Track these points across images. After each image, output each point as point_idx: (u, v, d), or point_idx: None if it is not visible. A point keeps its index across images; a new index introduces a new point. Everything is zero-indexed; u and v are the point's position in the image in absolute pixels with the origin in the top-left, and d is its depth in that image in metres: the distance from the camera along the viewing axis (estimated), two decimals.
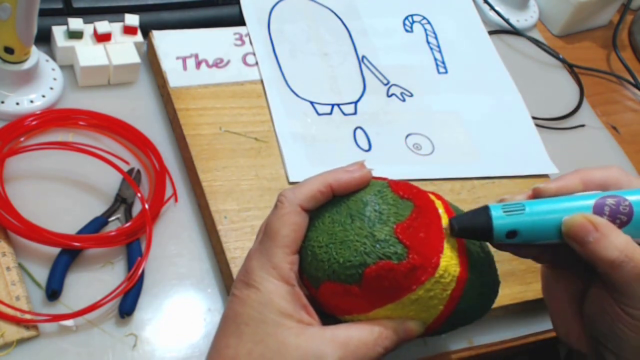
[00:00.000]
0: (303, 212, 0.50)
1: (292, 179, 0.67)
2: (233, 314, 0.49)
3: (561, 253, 0.51)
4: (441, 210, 0.51)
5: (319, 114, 0.73)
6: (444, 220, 0.50)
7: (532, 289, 0.66)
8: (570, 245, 0.48)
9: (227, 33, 0.76)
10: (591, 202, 0.49)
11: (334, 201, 0.51)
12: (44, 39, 0.69)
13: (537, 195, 0.51)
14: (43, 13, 0.64)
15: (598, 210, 0.49)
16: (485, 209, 0.49)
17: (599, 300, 0.50)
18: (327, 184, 0.51)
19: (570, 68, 0.94)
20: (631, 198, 0.49)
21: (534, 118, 0.82)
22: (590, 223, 0.47)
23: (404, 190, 0.51)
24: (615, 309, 0.49)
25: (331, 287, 0.49)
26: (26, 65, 0.64)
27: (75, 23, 0.69)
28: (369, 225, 0.48)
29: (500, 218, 0.48)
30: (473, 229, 0.49)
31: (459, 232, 0.49)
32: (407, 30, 0.86)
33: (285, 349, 0.47)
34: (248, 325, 0.48)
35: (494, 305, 0.65)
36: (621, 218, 0.49)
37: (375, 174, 0.52)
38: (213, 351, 0.49)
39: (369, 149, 0.72)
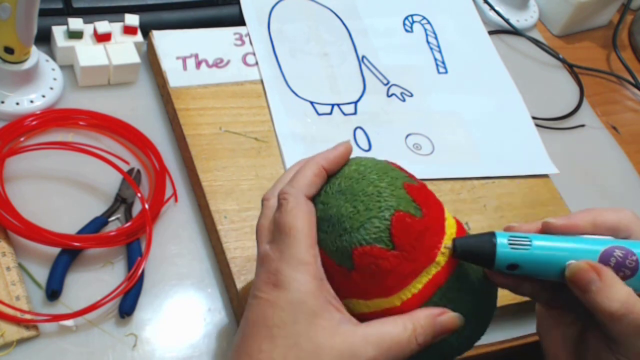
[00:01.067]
0: (309, 201, 0.50)
1: None
2: (263, 317, 0.47)
3: (560, 294, 0.51)
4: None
5: (319, 114, 0.73)
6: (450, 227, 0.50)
7: None
8: (572, 290, 0.48)
9: (227, 33, 0.76)
10: (599, 248, 0.49)
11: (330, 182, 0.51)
12: (44, 39, 0.69)
13: (545, 229, 0.51)
14: (43, 13, 0.64)
15: (604, 259, 0.48)
16: (491, 237, 0.48)
17: (595, 348, 0.50)
18: (319, 166, 0.51)
19: (570, 68, 0.94)
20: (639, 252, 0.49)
21: (534, 118, 0.82)
22: (595, 272, 0.47)
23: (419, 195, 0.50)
24: (611, 359, 0.49)
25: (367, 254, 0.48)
26: (26, 65, 0.64)
27: (75, 23, 0.69)
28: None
29: (504, 248, 0.48)
30: (475, 254, 0.49)
31: (460, 254, 0.49)
32: (407, 30, 0.86)
33: (321, 350, 0.46)
34: (280, 327, 0.46)
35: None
36: (625, 271, 0.49)
37: None
38: (244, 356, 0.47)
39: (369, 149, 0.72)
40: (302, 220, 0.49)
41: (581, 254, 0.48)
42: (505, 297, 0.65)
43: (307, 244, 0.48)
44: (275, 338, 0.46)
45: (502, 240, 0.48)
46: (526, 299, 0.66)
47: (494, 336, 0.65)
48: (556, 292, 0.52)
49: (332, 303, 0.48)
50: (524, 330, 0.67)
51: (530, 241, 0.48)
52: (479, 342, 0.65)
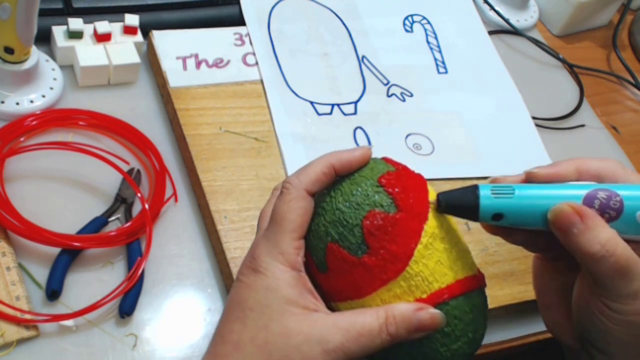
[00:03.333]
0: (309, 197, 0.50)
1: None
2: (238, 299, 0.49)
3: (552, 242, 0.50)
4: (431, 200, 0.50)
5: (319, 114, 0.73)
6: (432, 196, 0.50)
7: (532, 289, 0.66)
8: (555, 234, 0.48)
9: (227, 33, 0.76)
10: (582, 192, 0.48)
11: (336, 183, 0.51)
12: (44, 39, 0.69)
13: (529, 179, 0.51)
14: (43, 13, 0.64)
15: (588, 202, 0.48)
16: (474, 189, 0.48)
17: (583, 294, 0.50)
18: (329, 164, 0.50)
19: (570, 68, 0.94)
20: (623, 193, 0.48)
21: (534, 118, 0.82)
22: (577, 214, 0.47)
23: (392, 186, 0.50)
24: (597, 303, 0.48)
25: (336, 255, 0.48)
26: (26, 65, 0.64)
27: (75, 23, 0.69)
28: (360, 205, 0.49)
29: (487, 199, 0.48)
30: (460, 206, 0.49)
31: (445, 208, 0.49)
32: (407, 30, 0.86)
33: (289, 334, 0.46)
34: (253, 310, 0.47)
35: (494, 305, 0.65)
36: (610, 213, 0.48)
37: None
38: (217, 336, 0.49)
39: None
40: (294, 213, 0.49)
41: (564, 199, 0.48)
42: (505, 297, 0.65)
43: (292, 236, 0.49)
44: (246, 319, 0.47)
45: (485, 192, 0.48)
46: (526, 299, 0.66)
47: (494, 336, 0.65)
48: (547, 240, 0.51)
49: (307, 294, 0.48)
50: (524, 330, 0.67)
51: (513, 190, 0.48)
52: None
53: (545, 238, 0.51)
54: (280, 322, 0.47)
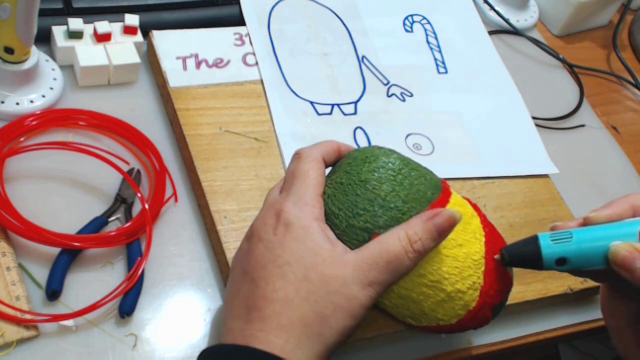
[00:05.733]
0: (323, 163, 0.54)
1: None
2: (272, 257, 0.50)
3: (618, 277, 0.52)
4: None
5: (319, 114, 0.73)
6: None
7: (532, 289, 0.66)
8: (618, 273, 0.50)
9: (227, 33, 0.76)
10: (635, 229, 0.50)
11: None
12: (44, 39, 0.69)
13: (587, 223, 0.53)
14: (43, 13, 0.64)
15: None
16: (535, 239, 0.51)
17: None
18: (336, 146, 0.56)
19: (570, 68, 0.94)
20: None
21: (534, 118, 0.82)
22: (637, 251, 0.49)
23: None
24: None
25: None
26: (26, 65, 0.64)
27: (75, 23, 0.69)
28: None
29: (548, 247, 0.51)
30: (523, 258, 0.52)
31: (509, 262, 0.53)
32: (407, 30, 0.86)
33: (327, 280, 0.49)
34: (290, 264, 0.50)
35: None
36: None
37: None
38: (261, 300, 0.49)
39: None
40: (316, 172, 0.53)
41: (621, 236, 0.50)
42: None
43: (316, 192, 0.52)
44: (286, 274, 0.49)
45: (544, 241, 0.51)
46: (526, 299, 0.66)
47: (494, 336, 0.65)
48: (613, 275, 0.53)
49: (331, 241, 0.51)
50: (524, 330, 0.67)
51: (571, 235, 0.51)
52: (478, 342, 0.65)
53: (611, 274, 0.52)
54: (316, 270, 0.49)
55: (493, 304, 0.54)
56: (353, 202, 0.52)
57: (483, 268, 0.53)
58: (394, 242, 0.50)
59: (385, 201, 0.52)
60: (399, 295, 0.53)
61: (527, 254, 0.52)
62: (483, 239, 0.53)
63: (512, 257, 0.52)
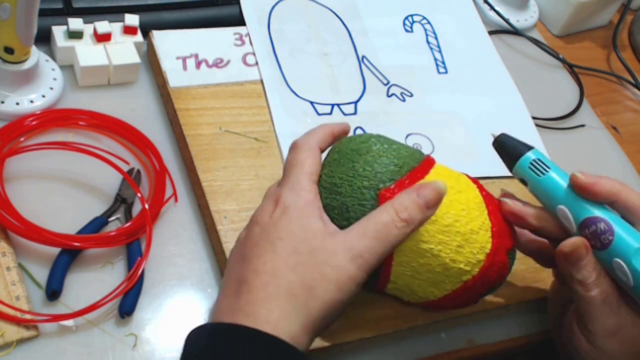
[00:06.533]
0: (319, 151, 0.56)
1: None
2: (265, 234, 0.52)
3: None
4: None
5: (319, 114, 0.73)
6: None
7: (532, 289, 0.66)
8: (561, 262, 0.54)
9: (227, 33, 0.76)
10: (590, 212, 0.54)
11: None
12: (44, 39, 0.69)
13: (572, 180, 0.55)
14: (43, 13, 0.64)
15: (589, 222, 0.53)
16: (527, 149, 0.56)
17: (571, 316, 0.57)
18: (329, 130, 0.58)
19: (570, 68, 0.94)
20: (618, 232, 0.53)
21: (534, 118, 0.82)
22: (585, 248, 0.53)
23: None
24: (579, 337, 0.56)
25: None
26: (26, 65, 0.64)
27: (75, 23, 0.69)
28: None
29: (525, 164, 0.56)
30: (505, 152, 0.57)
31: (495, 142, 0.57)
32: (407, 30, 0.86)
33: (315, 252, 0.50)
34: (282, 239, 0.51)
35: (494, 305, 0.65)
36: (596, 243, 0.53)
37: None
38: (250, 272, 0.51)
39: None
40: (312, 160, 0.55)
41: (574, 208, 0.54)
42: (505, 297, 0.65)
43: (312, 178, 0.54)
44: (276, 248, 0.51)
45: (529, 158, 0.56)
46: (526, 299, 0.66)
47: (494, 336, 0.65)
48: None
49: (324, 221, 0.53)
50: (524, 330, 0.67)
51: (547, 171, 0.56)
52: (478, 342, 0.65)
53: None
54: (306, 243, 0.51)
55: (506, 247, 0.55)
56: (351, 167, 0.54)
57: (486, 210, 0.55)
58: (382, 213, 0.52)
59: (380, 159, 0.54)
60: (419, 253, 0.53)
61: (510, 153, 0.57)
62: (476, 188, 0.57)
63: (500, 144, 0.57)
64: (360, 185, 0.54)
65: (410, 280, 0.55)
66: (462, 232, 0.53)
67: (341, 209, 0.54)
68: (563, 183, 0.55)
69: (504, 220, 0.56)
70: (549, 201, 0.55)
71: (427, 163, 0.56)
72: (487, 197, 0.57)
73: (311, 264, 0.50)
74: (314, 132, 0.57)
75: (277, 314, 0.48)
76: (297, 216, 0.52)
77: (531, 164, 0.56)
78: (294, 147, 0.56)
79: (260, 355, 0.47)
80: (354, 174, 0.54)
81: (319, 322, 0.50)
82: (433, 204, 0.52)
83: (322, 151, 0.57)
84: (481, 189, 0.58)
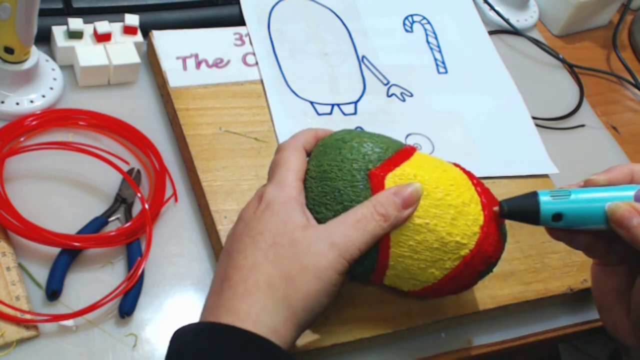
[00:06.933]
0: (304, 151, 0.57)
1: None
2: (248, 229, 0.52)
3: (611, 245, 0.55)
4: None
5: (319, 114, 0.73)
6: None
7: (532, 289, 0.66)
8: (615, 231, 0.52)
9: (227, 33, 0.76)
10: (631, 193, 0.52)
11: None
12: (44, 39, 0.69)
13: (587, 185, 0.54)
14: (43, 13, 0.64)
15: (638, 200, 0.52)
16: (534, 194, 0.53)
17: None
18: (313, 133, 0.59)
19: (570, 68, 0.94)
20: None
21: (534, 118, 0.82)
22: (634, 209, 0.51)
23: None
24: None
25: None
26: (26, 65, 0.64)
27: (75, 23, 0.69)
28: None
29: (547, 202, 0.53)
30: (522, 211, 0.54)
31: (507, 214, 0.54)
32: (407, 30, 0.86)
33: (295, 242, 0.51)
34: (262, 233, 0.52)
35: (494, 305, 0.65)
36: None
37: None
38: (230, 268, 0.51)
39: None
40: (296, 158, 0.56)
41: (617, 198, 0.52)
42: (505, 297, 0.65)
43: (296, 176, 0.55)
44: (257, 242, 0.51)
45: (544, 197, 0.53)
46: (526, 299, 0.66)
47: (494, 336, 0.65)
48: (607, 243, 0.55)
49: (307, 216, 0.53)
50: (524, 330, 0.67)
51: (569, 193, 0.53)
52: (478, 342, 0.65)
53: (604, 241, 0.55)
54: (286, 235, 0.51)
55: (498, 221, 0.56)
56: (338, 153, 0.55)
57: (473, 187, 0.56)
58: (362, 207, 0.53)
59: (365, 144, 0.56)
60: (415, 230, 0.54)
61: (526, 207, 0.53)
62: (457, 168, 0.58)
63: (511, 209, 0.54)
64: (350, 167, 0.55)
65: (409, 263, 0.54)
66: (454, 205, 0.54)
67: (334, 193, 0.54)
68: (592, 192, 0.54)
69: (490, 194, 0.57)
70: (595, 212, 0.53)
71: (409, 149, 0.58)
72: (465, 171, 0.58)
73: (290, 255, 0.50)
74: (298, 134, 0.58)
75: (258, 309, 0.48)
76: (279, 210, 0.52)
77: (551, 196, 0.53)
78: (279, 148, 0.57)
79: (237, 353, 0.47)
80: (342, 159, 0.55)
81: (302, 315, 0.50)
82: (409, 204, 0.53)
83: (307, 152, 0.58)
84: (471, 177, 0.58)
